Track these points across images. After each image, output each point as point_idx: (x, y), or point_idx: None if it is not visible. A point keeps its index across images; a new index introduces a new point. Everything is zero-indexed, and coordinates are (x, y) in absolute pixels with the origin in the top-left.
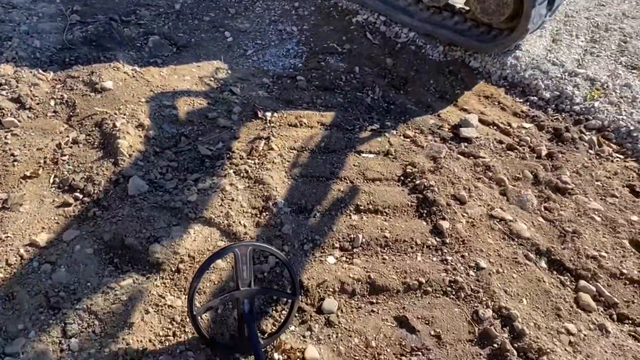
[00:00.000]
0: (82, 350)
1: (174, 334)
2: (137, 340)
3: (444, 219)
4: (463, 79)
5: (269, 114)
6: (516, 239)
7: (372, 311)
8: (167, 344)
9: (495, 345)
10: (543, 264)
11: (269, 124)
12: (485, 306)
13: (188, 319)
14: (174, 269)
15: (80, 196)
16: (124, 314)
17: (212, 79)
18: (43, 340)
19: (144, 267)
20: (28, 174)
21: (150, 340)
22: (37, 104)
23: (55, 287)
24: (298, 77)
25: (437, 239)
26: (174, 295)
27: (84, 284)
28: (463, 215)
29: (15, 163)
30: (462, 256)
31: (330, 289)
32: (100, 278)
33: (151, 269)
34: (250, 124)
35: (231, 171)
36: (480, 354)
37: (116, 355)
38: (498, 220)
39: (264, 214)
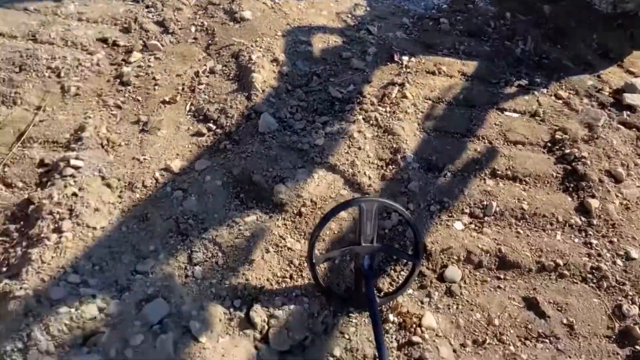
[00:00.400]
0: (205, 279)
1: (291, 277)
2: (256, 278)
3: (593, 196)
4: (633, 36)
5: (405, 58)
6: None
7: (499, 287)
8: (283, 286)
9: (638, 347)
10: None
11: (404, 69)
12: (631, 302)
13: (306, 265)
14: (296, 212)
15: (214, 127)
16: (246, 250)
17: (349, 15)
18: (170, 264)
19: (268, 206)
20: (167, 99)
21: (267, 280)
22: (180, 29)
23: (185, 214)
24: (441, 19)
25: (583, 219)
26: (294, 238)
27: (211, 215)
28: (617, 196)
29: (156, 87)
30: (610, 242)
31: (455, 257)
32: (226, 211)
33: (274, 209)
34: (385, 68)
35: (360, 117)
36: (618, 354)
37: (235, 289)
38: None
39: (390, 166)
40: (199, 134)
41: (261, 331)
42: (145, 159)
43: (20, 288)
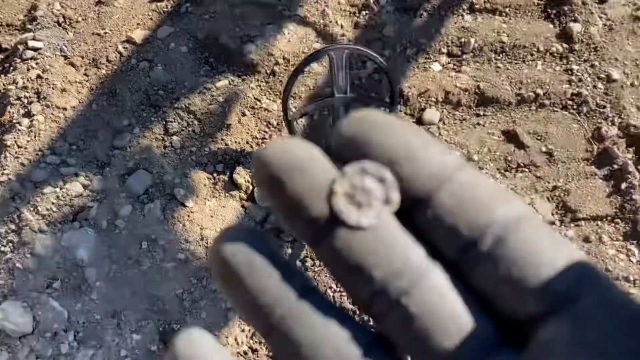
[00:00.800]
0: (184, 148)
1: (270, 137)
2: (235, 142)
3: (575, 20)
4: None
5: None
6: None
7: (478, 124)
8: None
9: (615, 166)
10: None
11: None
12: (610, 123)
13: (283, 123)
14: (269, 72)
15: None
16: (221, 115)
17: None
18: (147, 137)
19: (239, 69)
20: None
21: (247, 142)
22: None
23: (155, 86)
24: None
25: (564, 45)
26: (269, 99)
27: (181, 83)
28: (600, 17)
29: None
30: (592, 65)
31: (433, 99)
32: (196, 78)
33: (246, 71)
34: None
35: None
36: (596, 174)
37: (216, 154)
38: None
39: (363, 12)
40: None
41: (246, 191)
42: (105, 32)
43: (2, 174)
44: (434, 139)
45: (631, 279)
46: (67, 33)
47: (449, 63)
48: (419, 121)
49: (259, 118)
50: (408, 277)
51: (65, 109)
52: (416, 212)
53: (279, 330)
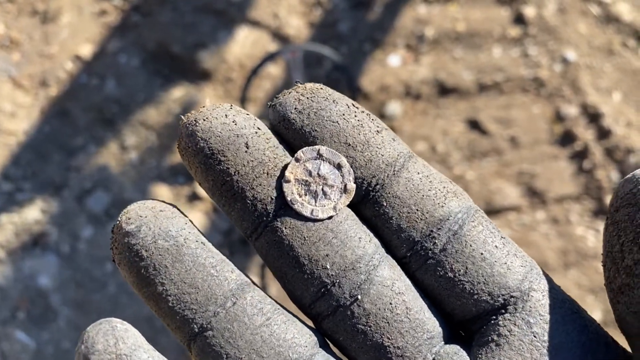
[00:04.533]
0: (143, 164)
1: None
2: None
3: (528, 4)
4: None
5: None
6: (614, 25)
7: (440, 115)
8: None
9: (578, 145)
10: None
11: None
12: (569, 103)
13: None
14: (225, 78)
15: (118, 3)
16: (179, 127)
17: None
18: (103, 154)
19: (194, 78)
20: None
21: None
22: None
23: (108, 102)
24: None
25: (519, 30)
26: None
27: (135, 98)
28: None
29: None
30: (547, 48)
31: (393, 93)
32: (150, 90)
33: (201, 79)
34: None
35: None
36: (559, 156)
37: (176, 167)
38: (595, 2)
39: (316, 11)
40: (104, 13)
41: (209, 202)
42: (53, 52)
43: None
44: (385, 125)
45: (601, 256)
46: (13, 55)
47: (406, 56)
48: (381, 116)
49: None
50: (363, 271)
51: (15, 133)
52: (365, 205)
53: (203, 341)
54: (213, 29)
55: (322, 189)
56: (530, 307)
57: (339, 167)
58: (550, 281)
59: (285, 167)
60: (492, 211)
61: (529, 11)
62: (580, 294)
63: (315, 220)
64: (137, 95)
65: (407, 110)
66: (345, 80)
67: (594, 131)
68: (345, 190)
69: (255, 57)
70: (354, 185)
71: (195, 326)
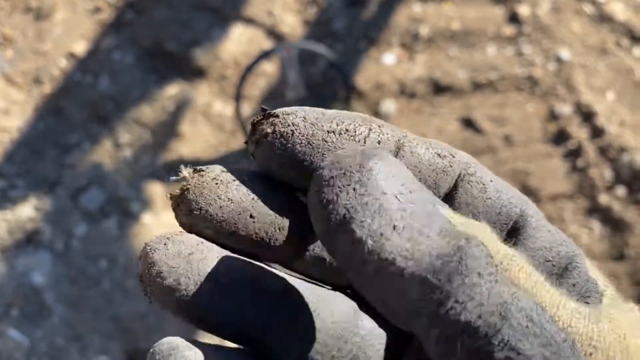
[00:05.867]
0: (137, 161)
1: (226, 143)
2: (190, 150)
3: (522, 2)
4: None
5: None
6: (608, 24)
7: (435, 113)
8: (220, 153)
9: (572, 143)
10: (638, 53)
11: None
12: (563, 102)
13: (238, 126)
14: (219, 76)
15: (113, 1)
16: (174, 124)
17: None
18: (98, 152)
19: (188, 76)
20: None
21: (202, 150)
22: None
23: (102, 99)
24: None
25: (514, 29)
26: (222, 104)
27: (129, 95)
28: None
29: None
30: (541, 47)
31: (388, 92)
32: (144, 88)
33: (196, 77)
34: None
35: None
36: (553, 154)
37: (171, 165)
38: (589, 2)
39: (311, 9)
40: (98, 10)
41: None
42: (47, 49)
43: None
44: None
45: (594, 254)
46: (7, 52)
47: (401, 54)
48: (376, 114)
49: (212, 124)
50: None
51: (9, 130)
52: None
53: None
54: (208, 26)
55: None
56: None
57: None
58: None
59: None
60: None
61: (524, 10)
62: None
63: None
64: (131, 93)
65: (402, 109)
66: (340, 78)
67: (588, 130)
68: None
69: (250, 55)
70: None
71: None
